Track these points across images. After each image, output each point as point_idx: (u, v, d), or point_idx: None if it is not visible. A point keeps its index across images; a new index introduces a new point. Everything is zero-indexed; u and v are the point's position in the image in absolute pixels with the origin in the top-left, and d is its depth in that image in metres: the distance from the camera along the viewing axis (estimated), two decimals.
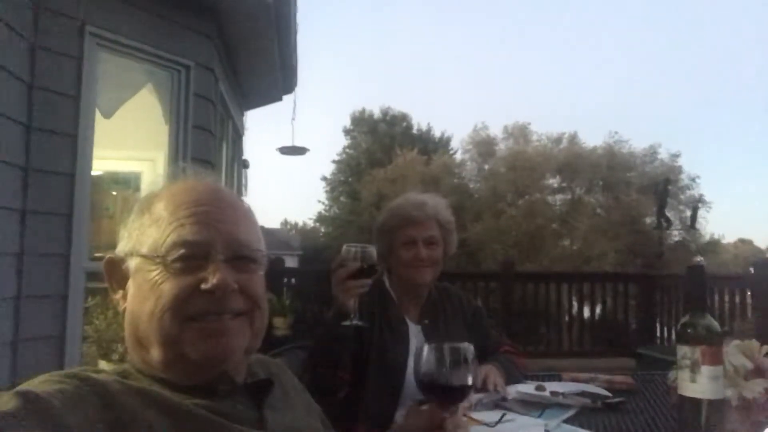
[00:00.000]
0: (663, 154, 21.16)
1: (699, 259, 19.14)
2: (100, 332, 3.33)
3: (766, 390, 1.28)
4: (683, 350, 1.18)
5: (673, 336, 6.00)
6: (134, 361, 0.83)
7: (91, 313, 3.29)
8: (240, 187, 5.63)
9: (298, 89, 6.02)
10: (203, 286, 0.79)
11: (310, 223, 34.01)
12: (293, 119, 6.85)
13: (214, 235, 0.82)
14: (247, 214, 0.90)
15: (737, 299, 5.10)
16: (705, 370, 1.14)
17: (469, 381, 1.00)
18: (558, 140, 22.87)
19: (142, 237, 0.83)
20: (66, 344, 2.74)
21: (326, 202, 30.39)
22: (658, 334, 6.23)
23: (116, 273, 0.86)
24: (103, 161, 4.22)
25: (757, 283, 4.56)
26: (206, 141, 3.63)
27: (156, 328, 0.78)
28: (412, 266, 1.80)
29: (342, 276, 1.52)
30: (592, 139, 22.97)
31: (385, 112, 30.42)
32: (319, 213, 31.17)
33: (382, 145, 28.02)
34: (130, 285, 0.84)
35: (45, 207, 2.70)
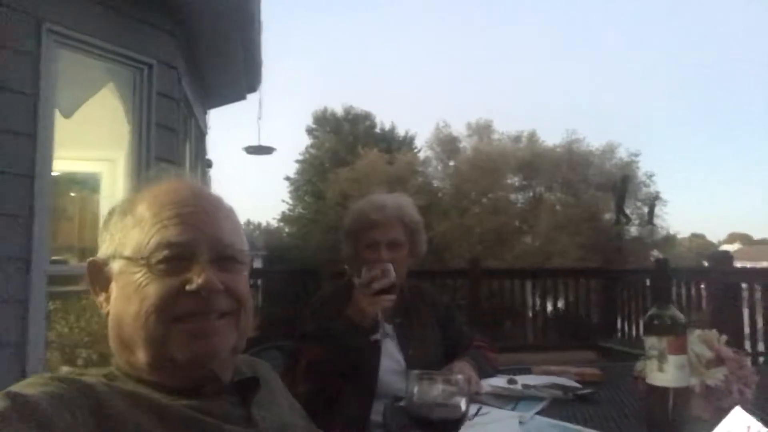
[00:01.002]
0: (621, 153, 21.72)
1: (655, 253, 19.76)
2: (62, 337, 3.24)
3: (725, 377, 1.34)
4: (651, 341, 1.22)
5: (633, 329, 6.20)
6: (119, 363, 0.83)
7: (52, 318, 3.20)
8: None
9: (262, 88, 5.96)
10: (188, 287, 0.79)
11: (274, 223, 33.66)
12: (259, 119, 6.79)
13: (198, 236, 0.82)
14: (230, 215, 0.90)
15: (692, 291, 5.30)
16: (671, 359, 1.18)
17: (463, 409, 0.96)
18: (518, 139, 23.26)
19: (125, 239, 0.83)
20: (28, 350, 2.66)
21: (290, 202, 30.14)
22: (619, 327, 6.41)
23: (99, 276, 0.85)
24: (61, 161, 4.11)
25: (712, 275, 4.73)
26: (169, 140, 3.56)
27: (141, 331, 0.78)
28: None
29: (377, 289, 1.62)
30: (552, 137, 23.47)
31: (347, 111, 30.37)
32: (283, 213, 30.88)
33: (346, 144, 27.97)
34: (114, 288, 0.83)
35: (3, 209, 2.61)
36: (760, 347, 4.00)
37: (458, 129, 23.86)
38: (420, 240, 1.90)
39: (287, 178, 29.90)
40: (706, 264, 6.51)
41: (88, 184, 4.95)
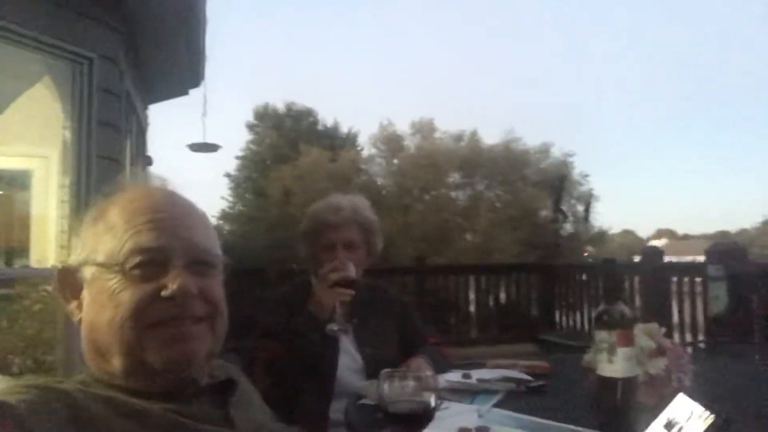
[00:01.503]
0: (556, 152, 22.50)
1: (589, 249, 20.63)
2: None
3: (666, 366, 1.45)
4: (601, 335, 1.30)
5: (571, 321, 6.47)
6: (93, 370, 0.82)
7: None
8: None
9: (206, 84, 5.83)
10: (164, 293, 0.79)
11: (213, 221, 32.84)
12: (204, 115, 6.62)
13: (172, 241, 0.82)
14: (203, 219, 0.91)
15: (626, 285, 5.58)
16: (620, 351, 1.27)
17: (432, 404, 1.00)
18: (460, 137, 23.68)
19: (97, 245, 0.82)
20: None
21: (230, 199, 29.46)
22: (557, 320, 6.68)
23: (70, 283, 0.84)
24: None
25: (644, 269, 4.99)
26: (111, 138, 3.44)
27: (116, 337, 0.77)
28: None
29: (334, 280, 1.64)
30: (490, 136, 24.02)
31: (289, 107, 29.94)
32: (223, 210, 30.18)
33: (288, 141, 27.61)
34: (86, 295, 0.82)
35: None
36: (688, 337, 4.26)
37: (401, 127, 24.11)
38: (376, 240, 1.95)
39: (227, 175, 29.20)
40: (636, 259, 6.87)
41: (17, 182, 4.71)
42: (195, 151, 8.48)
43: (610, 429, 1.25)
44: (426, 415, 0.98)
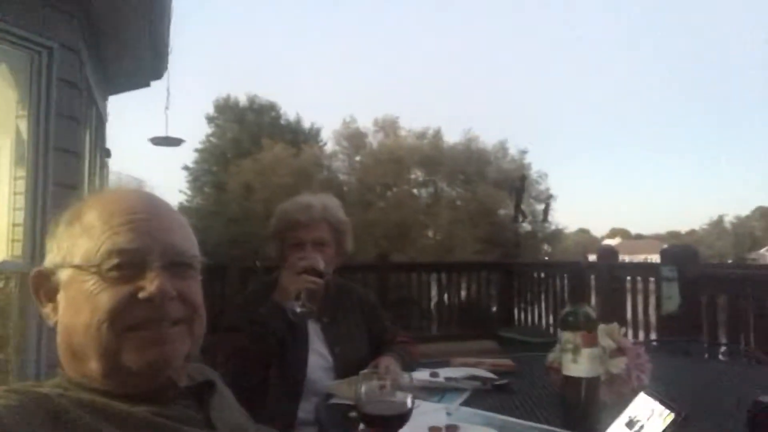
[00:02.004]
0: (513, 151, 22.93)
1: (546, 247, 21.13)
2: None
3: (626, 365, 1.51)
4: (567, 336, 1.35)
5: (529, 318, 6.62)
6: (70, 374, 0.81)
7: None
8: (102, 177, 5.22)
9: (169, 76, 5.70)
10: (141, 295, 0.78)
11: None
12: (167, 108, 6.46)
13: (150, 242, 0.81)
14: (181, 221, 0.91)
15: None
16: (585, 352, 1.32)
17: (409, 405, 1.02)
18: (423, 135, 23.87)
19: (73, 248, 0.81)
20: None
21: (188, 193, 28.89)
22: (516, 317, 6.82)
23: (45, 286, 0.83)
24: None
25: (599, 268, 5.13)
26: (71, 129, 3.34)
27: (93, 340, 0.77)
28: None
29: (301, 267, 1.65)
30: (451, 134, 24.34)
31: (252, 101, 29.52)
32: (181, 204, 29.55)
33: (250, 135, 27.24)
34: (62, 298, 0.81)
35: None
36: (641, 336, 4.42)
37: (365, 124, 24.12)
38: (346, 240, 1.95)
39: (186, 168, 28.68)
40: (591, 258, 7.07)
41: None
42: (157, 145, 8.27)
43: (574, 426, 1.29)
44: (403, 416, 1.01)
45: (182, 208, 29.87)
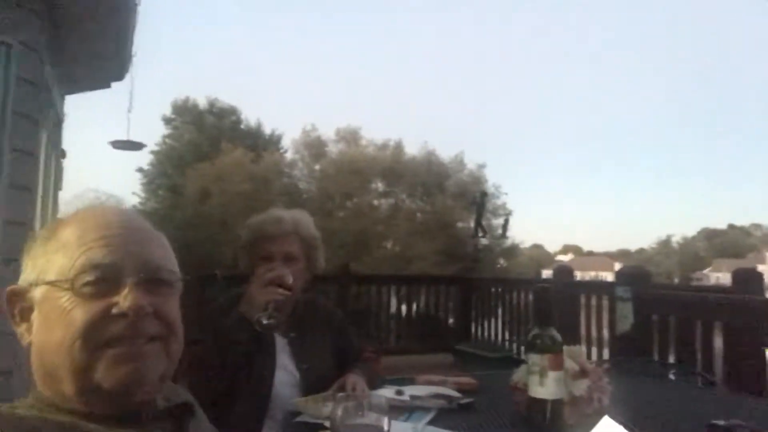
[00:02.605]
0: (470, 165, 23.32)
1: (502, 262, 21.48)
2: None
3: (588, 387, 1.56)
4: (533, 358, 1.38)
5: (485, 333, 6.71)
6: (45, 395, 0.79)
7: None
8: (57, 179, 5.05)
9: (131, 78, 5.57)
10: (115, 310, 0.77)
11: None
12: (129, 111, 6.29)
13: (125, 258, 0.80)
14: (159, 238, 0.90)
15: (531, 298, 5.85)
16: (551, 374, 1.35)
17: (385, 428, 1.03)
18: (384, 146, 24.00)
19: (48, 264, 0.80)
20: None
21: (142, 195, 28.15)
22: (473, 331, 6.89)
23: (19, 304, 0.81)
24: None
25: (557, 287, 5.25)
26: (28, 130, 3.23)
27: (66, 358, 0.75)
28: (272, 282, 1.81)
29: (269, 279, 1.63)
30: (411, 146, 24.57)
31: (212, 104, 29.09)
32: (134, 207, 28.75)
33: (208, 138, 26.81)
34: (36, 316, 0.79)
35: None
36: (594, 354, 4.54)
37: (326, 133, 24.08)
38: (317, 256, 1.95)
39: (140, 170, 27.97)
40: (544, 274, 7.21)
41: None
42: (118, 149, 8.03)
43: None
44: None
45: (117, 203, 29.06)
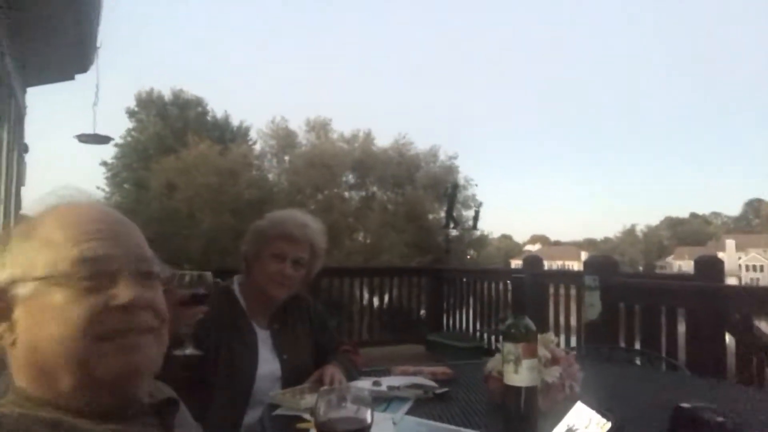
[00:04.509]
0: (443, 156, 23.44)
1: (472, 252, 21.71)
2: None
3: (560, 374, 1.60)
4: (509, 347, 1.41)
5: (456, 323, 6.79)
6: (29, 393, 0.78)
7: None
8: (20, 174, 4.90)
9: (97, 71, 5.41)
10: (114, 302, 0.77)
11: None
12: (95, 104, 6.12)
13: (120, 250, 0.81)
14: (139, 232, 0.89)
15: (502, 288, 5.97)
16: (525, 363, 1.39)
17: (368, 420, 1.03)
18: (354, 138, 23.93)
19: (33, 261, 0.78)
20: None
21: (106, 189, 27.50)
22: (445, 322, 6.97)
23: None
24: None
25: (527, 276, 5.34)
26: None
27: (66, 352, 0.75)
28: (273, 280, 1.84)
29: (172, 302, 1.44)
30: (383, 139, 24.58)
31: (176, 95, 28.55)
32: (98, 201, 28.01)
33: (174, 131, 26.33)
34: (21, 315, 0.78)
35: None
36: (562, 340, 4.65)
37: (296, 124, 23.89)
38: (316, 266, 2.01)
39: (104, 164, 27.30)
40: (513, 263, 7.34)
41: None
42: (84, 143, 7.81)
43: None
44: (363, 430, 1.03)
45: (90, 198, 28.16)
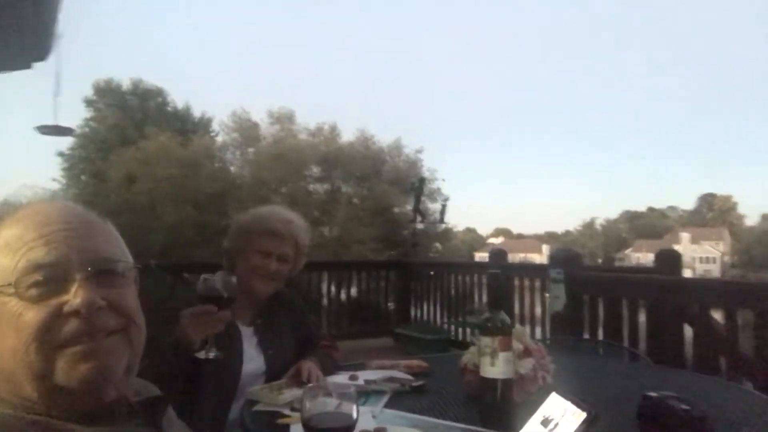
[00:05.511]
0: (408, 150, 23.53)
1: (437, 245, 21.90)
2: None
3: (533, 366, 1.65)
4: (485, 340, 1.45)
5: (424, 315, 6.87)
6: (11, 400, 0.77)
7: None
8: None
9: (59, 60, 5.24)
10: (67, 308, 0.75)
11: None
12: (57, 96, 5.92)
13: (68, 253, 0.78)
14: (105, 228, 0.87)
15: (468, 280, 6.08)
16: (501, 355, 1.43)
17: (354, 416, 1.05)
18: (319, 130, 23.79)
19: None
20: None
21: (63, 181, 26.69)
22: (413, 314, 7.04)
23: None
24: None
25: (492, 269, 5.44)
26: None
27: (23, 364, 0.74)
28: (258, 275, 1.84)
29: (199, 312, 1.47)
30: (349, 132, 24.55)
31: (136, 85, 27.83)
32: (54, 193, 27.20)
33: (133, 121, 25.70)
34: None
35: None
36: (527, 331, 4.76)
37: (258, 116, 23.58)
38: (300, 262, 2.03)
39: (60, 154, 26.45)
40: (477, 256, 7.45)
41: None
42: (45, 134, 7.54)
43: (493, 424, 1.40)
44: (349, 427, 1.04)
45: (54, 198, 27.53)
